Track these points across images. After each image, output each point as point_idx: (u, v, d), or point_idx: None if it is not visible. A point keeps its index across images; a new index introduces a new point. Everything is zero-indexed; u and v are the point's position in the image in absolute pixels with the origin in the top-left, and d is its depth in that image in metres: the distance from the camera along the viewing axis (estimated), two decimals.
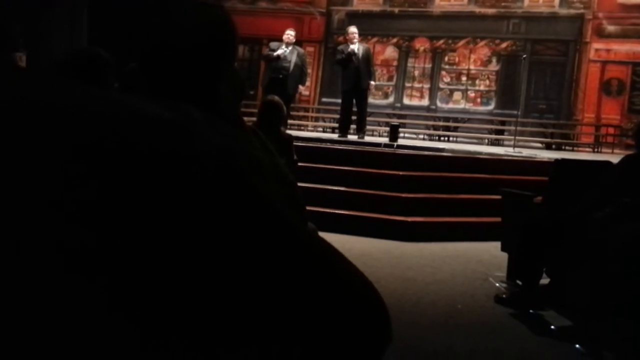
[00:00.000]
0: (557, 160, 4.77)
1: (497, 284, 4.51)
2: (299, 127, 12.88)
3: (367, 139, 9.14)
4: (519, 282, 4.26)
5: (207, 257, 0.40)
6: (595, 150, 12.28)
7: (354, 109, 9.03)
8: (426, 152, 8.00)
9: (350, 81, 8.99)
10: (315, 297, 0.44)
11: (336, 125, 10.55)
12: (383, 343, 0.48)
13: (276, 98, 4.76)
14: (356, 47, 8.80)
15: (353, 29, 9.03)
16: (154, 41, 1.29)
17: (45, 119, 0.40)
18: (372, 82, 9.00)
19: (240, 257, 0.41)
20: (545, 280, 4.08)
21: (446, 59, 14.42)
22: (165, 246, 0.39)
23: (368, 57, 8.93)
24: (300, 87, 9.14)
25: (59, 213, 0.38)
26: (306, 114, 14.71)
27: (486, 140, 12.99)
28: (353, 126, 9.13)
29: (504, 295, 4.18)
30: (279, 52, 8.63)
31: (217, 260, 0.40)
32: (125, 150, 0.40)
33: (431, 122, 14.12)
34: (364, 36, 9.44)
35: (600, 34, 13.28)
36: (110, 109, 0.42)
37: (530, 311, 3.94)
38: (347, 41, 8.99)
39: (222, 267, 0.40)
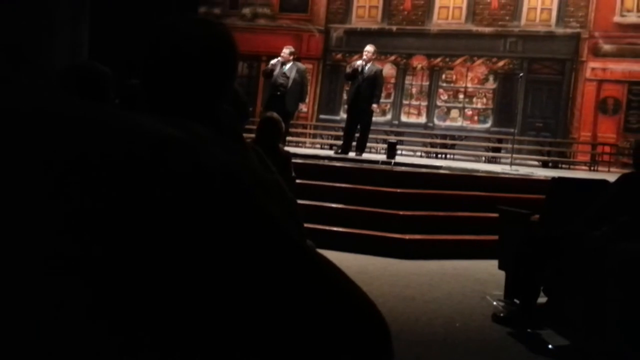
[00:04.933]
0: (554, 179, 4.79)
1: (495, 303, 4.50)
2: (297, 144, 12.90)
3: (365, 156, 9.15)
4: (517, 301, 4.25)
5: (211, 274, 0.40)
6: (592, 168, 12.31)
7: (358, 127, 9.01)
8: (424, 170, 8.01)
9: (350, 97, 9.01)
10: (317, 314, 0.44)
11: (334, 142, 10.58)
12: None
13: (275, 115, 4.77)
14: (364, 64, 8.76)
15: (368, 47, 8.93)
16: (155, 56, 1.30)
17: (46, 129, 0.40)
18: (374, 105, 8.90)
19: (244, 273, 0.41)
20: (543, 299, 4.07)
21: (443, 76, 14.51)
22: (169, 262, 0.39)
23: (375, 79, 8.75)
24: (300, 105, 9.12)
25: (58, 222, 0.38)
26: (304, 130, 14.75)
27: (483, 158, 13.03)
28: (355, 143, 9.13)
29: (501, 314, 4.17)
30: (273, 61, 8.68)
31: (221, 277, 0.40)
32: (129, 165, 0.40)
33: (428, 140, 14.16)
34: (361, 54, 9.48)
35: (597, 53, 13.38)
36: (114, 123, 0.43)
37: (528, 330, 3.93)
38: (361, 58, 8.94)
39: (226, 283, 0.40)
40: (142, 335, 0.38)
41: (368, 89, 8.66)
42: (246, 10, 15.56)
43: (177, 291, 0.39)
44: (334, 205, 6.35)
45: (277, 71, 8.70)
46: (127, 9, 10.12)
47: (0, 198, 0.38)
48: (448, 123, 14.38)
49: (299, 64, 9.15)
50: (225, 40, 1.33)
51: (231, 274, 0.41)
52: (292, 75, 8.71)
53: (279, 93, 8.58)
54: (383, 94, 10.20)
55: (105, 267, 0.38)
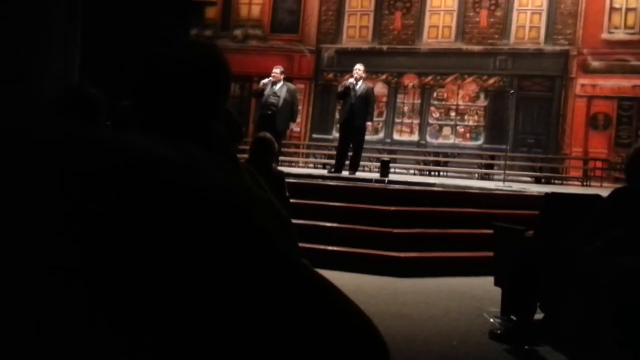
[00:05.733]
0: (547, 195, 4.80)
1: (492, 320, 4.48)
2: (290, 164, 12.91)
3: (358, 174, 9.16)
4: (514, 317, 4.23)
5: (206, 292, 0.40)
6: (584, 183, 12.37)
7: (351, 145, 9.02)
8: (417, 187, 8.02)
9: (343, 116, 9.05)
10: (315, 332, 0.44)
11: (327, 161, 10.60)
12: None
13: (267, 135, 4.78)
14: (355, 83, 8.80)
15: (357, 66, 8.94)
16: (147, 77, 1.30)
17: (40, 150, 0.40)
18: (368, 123, 8.92)
19: (240, 290, 0.41)
20: (539, 315, 4.06)
21: (435, 94, 14.60)
22: (166, 282, 0.39)
23: (367, 97, 8.79)
24: (291, 124, 9.16)
25: (59, 239, 0.38)
26: (297, 150, 14.78)
27: (476, 175, 13.07)
28: (348, 162, 9.14)
29: (498, 331, 4.15)
30: (264, 80, 8.72)
31: (217, 294, 0.40)
32: (123, 185, 0.39)
33: (421, 157, 14.21)
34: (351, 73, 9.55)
35: (586, 70, 13.52)
36: (108, 143, 0.42)
37: (526, 347, 3.91)
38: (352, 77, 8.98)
39: (222, 301, 0.40)
40: (141, 340, 0.38)
41: (361, 107, 8.68)
42: (237, 32, 15.67)
43: (173, 308, 0.39)
44: (328, 224, 6.34)
45: (267, 91, 8.75)
46: (119, 31, 10.17)
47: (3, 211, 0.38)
48: (440, 140, 14.45)
49: (289, 84, 9.20)
50: (218, 62, 1.34)
51: (227, 291, 0.40)
52: (283, 94, 8.76)
53: (269, 112, 8.61)
54: (375, 113, 10.24)
55: (103, 281, 0.38)
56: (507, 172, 10.45)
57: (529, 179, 12.46)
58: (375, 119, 10.56)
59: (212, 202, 0.42)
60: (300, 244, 2.29)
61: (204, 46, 1.40)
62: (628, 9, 13.26)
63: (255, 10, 15.78)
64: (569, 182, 12.64)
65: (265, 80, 8.87)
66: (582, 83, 13.54)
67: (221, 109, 1.37)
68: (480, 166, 13.49)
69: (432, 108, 14.58)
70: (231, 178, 0.45)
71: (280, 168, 6.32)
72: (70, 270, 0.38)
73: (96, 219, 0.38)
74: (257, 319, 0.41)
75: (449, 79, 14.45)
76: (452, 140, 14.36)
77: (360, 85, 8.79)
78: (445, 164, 13.84)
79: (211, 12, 15.91)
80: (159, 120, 1.28)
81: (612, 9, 13.36)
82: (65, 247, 0.38)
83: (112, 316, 0.38)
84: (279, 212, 1.72)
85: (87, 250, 0.38)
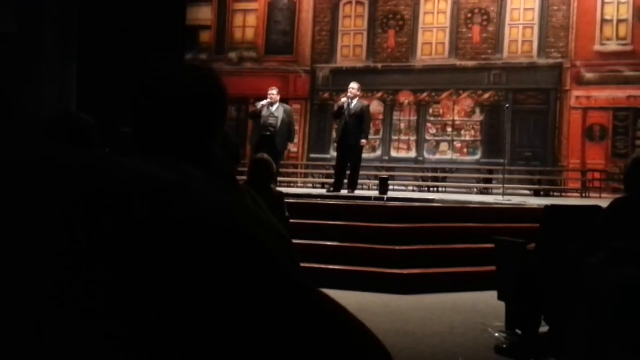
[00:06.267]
0: (547, 207, 4.79)
1: (497, 334, 4.45)
2: (289, 184, 12.91)
3: (357, 192, 9.16)
4: (519, 331, 4.21)
5: (213, 316, 0.39)
6: (583, 195, 12.38)
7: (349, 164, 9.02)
8: (417, 204, 8.01)
9: (338, 135, 9.07)
10: (323, 352, 0.43)
11: (326, 180, 10.60)
12: None
13: (266, 156, 4.78)
14: (350, 102, 8.82)
15: (352, 85, 8.95)
16: (145, 103, 1.31)
17: (43, 177, 0.40)
18: (363, 140, 8.91)
19: (247, 314, 0.41)
20: (545, 328, 4.03)
21: (431, 111, 14.67)
22: (170, 305, 0.39)
23: (362, 115, 8.79)
24: (289, 144, 9.19)
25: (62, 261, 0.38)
26: (295, 170, 14.79)
27: (475, 190, 13.07)
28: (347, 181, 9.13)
29: (504, 346, 4.12)
30: (263, 102, 8.77)
31: (224, 318, 0.40)
32: (128, 211, 0.40)
33: (420, 174, 14.23)
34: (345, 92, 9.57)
35: (580, 82, 13.60)
36: (112, 168, 0.43)
37: None
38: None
39: (229, 324, 0.40)
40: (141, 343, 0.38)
41: (355, 125, 8.70)
42: (232, 55, 15.77)
43: (183, 331, 0.39)
44: (329, 243, 6.32)
45: (265, 112, 8.79)
46: (114, 57, 10.23)
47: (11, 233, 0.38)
48: (438, 156, 14.47)
49: (285, 105, 9.26)
50: (215, 85, 1.35)
51: (234, 313, 0.40)
52: (280, 115, 8.82)
53: (268, 133, 8.65)
54: (372, 130, 10.28)
55: (105, 293, 0.37)
56: (505, 185, 10.45)
57: (527, 192, 12.46)
58: (372, 136, 10.62)
59: (214, 225, 0.42)
60: (302, 264, 2.28)
61: (201, 70, 1.41)
62: (619, 20, 13.39)
63: (250, 33, 15.91)
64: (568, 194, 12.64)
65: (264, 102, 8.92)
66: (576, 95, 13.62)
67: (220, 131, 1.37)
68: (478, 181, 13.50)
69: (429, 124, 14.63)
70: (230, 200, 0.46)
71: (279, 189, 6.32)
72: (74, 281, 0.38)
73: (105, 241, 0.38)
74: (261, 341, 0.41)
75: (444, 95, 14.52)
76: (449, 155, 14.39)
77: (354, 104, 8.81)
78: (444, 179, 13.85)
79: (205, 36, 16.03)
80: (158, 145, 1.29)
81: (603, 20, 13.48)
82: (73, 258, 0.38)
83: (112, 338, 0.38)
84: (280, 233, 1.72)
85: (93, 268, 0.38)
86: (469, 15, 14.54)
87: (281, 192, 5.28)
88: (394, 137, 14.80)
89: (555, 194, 12.57)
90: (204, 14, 15.98)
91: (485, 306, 5.24)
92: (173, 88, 1.31)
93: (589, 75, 13.51)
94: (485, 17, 14.41)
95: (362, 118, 8.81)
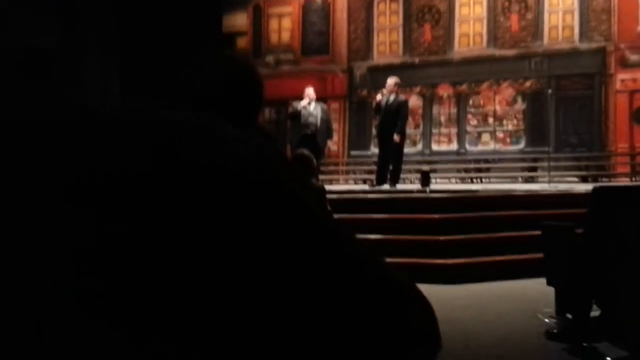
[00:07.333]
0: (595, 189, 4.69)
1: (547, 320, 4.38)
2: (330, 182, 12.95)
3: (399, 186, 9.11)
4: (569, 316, 4.13)
5: (246, 257, 0.41)
6: (633, 179, 12.03)
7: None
8: (461, 194, 7.93)
9: (377, 130, 9.07)
10: (362, 298, 0.44)
11: (367, 176, 10.59)
12: (433, 347, 0.47)
13: (306, 151, 4.82)
14: (387, 98, 8.80)
15: (388, 80, 8.91)
16: (184, 92, 1.36)
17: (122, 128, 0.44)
18: (396, 136, 8.81)
19: (278, 256, 0.42)
20: (595, 312, 3.95)
21: (471, 102, 14.49)
22: (207, 243, 0.40)
23: (398, 110, 8.72)
24: (329, 141, 9.28)
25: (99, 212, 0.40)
26: (336, 167, 14.82)
27: (520, 179, 12.85)
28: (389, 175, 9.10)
29: (555, 331, 4.05)
30: (302, 103, 8.85)
31: (257, 260, 0.41)
32: (163, 155, 0.42)
33: (462, 166, 14.06)
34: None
35: (624, 64, 13.22)
36: (142, 117, 0.46)
37: (584, 344, 3.81)
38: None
39: (263, 267, 0.41)
40: (152, 329, 0.39)
41: (391, 121, 8.68)
42: (269, 58, 15.90)
43: (220, 270, 0.40)
44: (372, 236, 6.32)
45: (304, 112, 8.86)
46: (155, 71, 10.44)
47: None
48: (480, 147, 14.28)
49: (321, 103, 9.35)
50: (251, 71, 1.39)
51: (265, 255, 0.41)
52: (319, 113, 8.89)
53: (310, 132, 8.74)
54: (412, 125, 10.20)
55: (129, 248, 0.39)
56: (552, 173, 10.25)
57: (574, 178, 12.18)
58: (412, 131, 10.50)
59: (246, 166, 0.44)
60: None
61: (237, 58, 1.46)
62: None
63: (285, 36, 16.02)
64: (617, 179, 12.30)
65: (303, 102, 8.99)
66: (622, 78, 13.24)
67: (255, 120, 1.42)
68: (523, 170, 13.27)
69: (469, 116, 14.45)
70: (262, 143, 0.47)
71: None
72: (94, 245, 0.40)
73: (145, 184, 0.41)
74: (295, 286, 0.42)
75: (484, 85, 14.32)
76: (492, 146, 14.18)
77: (392, 99, 8.79)
78: (487, 170, 13.66)
79: (242, 42, 16.21)
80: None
81: None
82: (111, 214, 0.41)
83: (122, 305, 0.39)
84: (311, 184, 1.74)
85: (134, 214, 0.40)
86: (506, 4, 14.31)
87: (323, 187, 5.31)
88: (434, 131, 14.68)
89: (604, 179, 12.25)
90: (240, 21, 16.16)
91: (533, 292, 5.16)
92: (210, 74, 1.36)
93: (633, 57, 13.12)
94: (523, 5, 14.16)
95: (398, 113, 8.76)
